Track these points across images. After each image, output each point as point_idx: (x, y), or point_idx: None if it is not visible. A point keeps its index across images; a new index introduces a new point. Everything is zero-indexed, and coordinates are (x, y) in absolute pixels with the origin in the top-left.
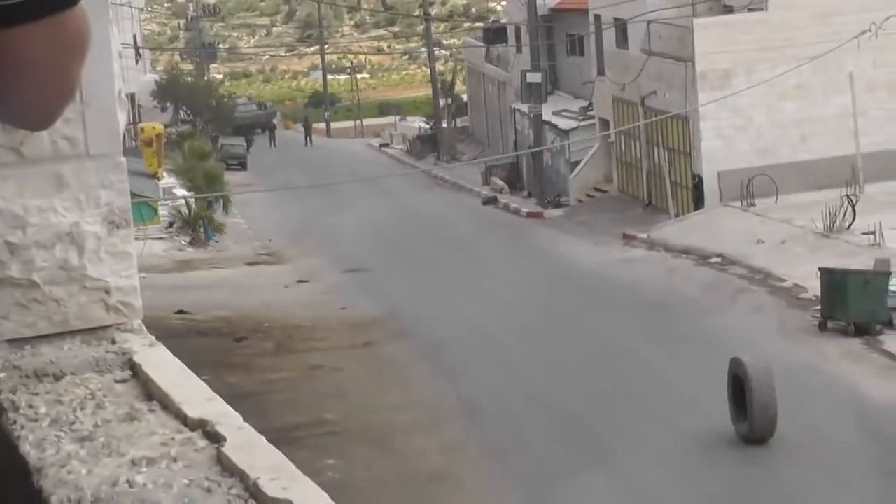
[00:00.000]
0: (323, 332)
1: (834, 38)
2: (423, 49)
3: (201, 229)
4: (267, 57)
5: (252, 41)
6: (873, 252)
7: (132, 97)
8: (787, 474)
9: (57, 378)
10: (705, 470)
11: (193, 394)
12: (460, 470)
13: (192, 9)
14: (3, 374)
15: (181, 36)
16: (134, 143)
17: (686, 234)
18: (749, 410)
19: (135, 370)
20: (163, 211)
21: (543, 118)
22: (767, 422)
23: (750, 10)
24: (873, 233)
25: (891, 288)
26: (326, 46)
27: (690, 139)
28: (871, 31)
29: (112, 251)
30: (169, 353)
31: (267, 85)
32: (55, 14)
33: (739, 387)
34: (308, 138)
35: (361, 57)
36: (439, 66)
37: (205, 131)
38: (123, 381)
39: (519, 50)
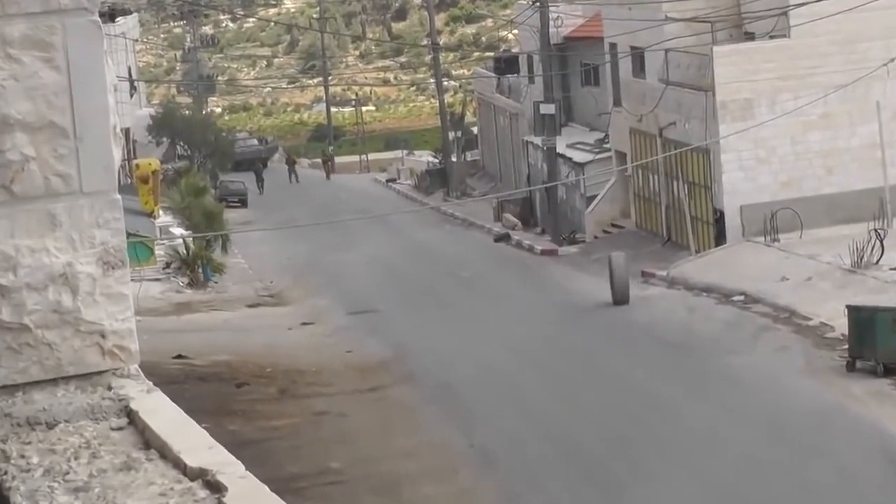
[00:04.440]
0: (328, 376)
1: (860, 66)
2: (431, 80)
3: (200, 270)
4: (268, 89)
5: (252, 73)
6: None
7: (127, 132)
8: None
9: (50, 426)
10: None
11: (193, 442)
12: None
13: (189, 39)
14: None
15: (178, 68)
16: (129, 180)
17: (707, 271)
18: (612, 284)
19: (132, 417)
20: (159, 251)
21: (557, 151)
22: (622, 290)
23: (772, 37)
24: None
25: None
26: (330, 78)
27: (711, 172)
28: None
29: (107, 293)
30: (167, 399)
31: (268, 118)
32: None
33: (610, 272)
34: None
35: (367, 88)
36: (448, 98)
37: (203, 167)
38: (120, 428)
39: (531, 80)
